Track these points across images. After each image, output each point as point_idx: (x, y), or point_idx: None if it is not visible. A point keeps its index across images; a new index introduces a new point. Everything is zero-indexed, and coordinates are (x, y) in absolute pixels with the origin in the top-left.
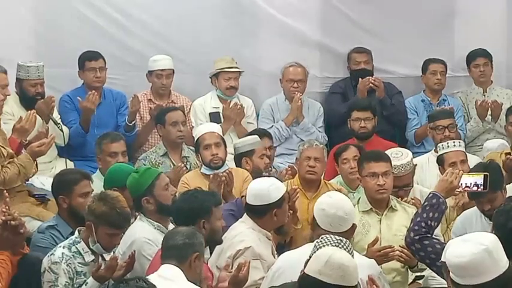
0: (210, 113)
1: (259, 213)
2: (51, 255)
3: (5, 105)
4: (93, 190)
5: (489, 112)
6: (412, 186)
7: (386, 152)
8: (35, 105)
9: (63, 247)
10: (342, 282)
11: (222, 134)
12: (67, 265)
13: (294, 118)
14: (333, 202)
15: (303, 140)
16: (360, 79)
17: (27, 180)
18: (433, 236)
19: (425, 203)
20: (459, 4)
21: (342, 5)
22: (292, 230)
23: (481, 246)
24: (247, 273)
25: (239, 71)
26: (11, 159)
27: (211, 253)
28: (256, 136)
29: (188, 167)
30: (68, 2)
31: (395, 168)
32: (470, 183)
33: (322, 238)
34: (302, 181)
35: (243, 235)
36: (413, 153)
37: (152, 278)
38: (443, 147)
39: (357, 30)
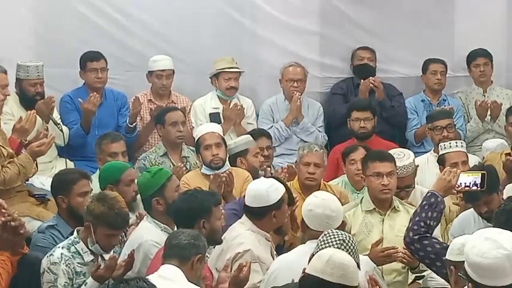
0: (210, 114)
1: (258, 215)
2: (50, 255)
3: (4, 105)
4: (92, 190)
5: (489, 112)
6: (414, 187)
7: None
8: (34, 105)
9: (62, 247)
10: (343, 281)
11: (222, 134)
12: (66, 265)
13: (294, 118)
14: (319, 202)
15: (302, 140)
16: (362, 75)
17: (27, 180)
18: (433, 236)
19: (424, 202)
20: (459, 4)
21: (342, 5)
22: (291, 237)
23: (504, 252)
24: (248, 273)
25: (239, 71)
26: (11, 159)
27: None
28: (249, 135)
29: (188, 167)
30: (68, 2)
31: (397, 169)
32: (469, 183)
33: (326, 233)
34: (301, 185)
35: (242, 237)
36: (413, 153)
37: (152, 278)
38: (444, 147)
39: (357, 30)
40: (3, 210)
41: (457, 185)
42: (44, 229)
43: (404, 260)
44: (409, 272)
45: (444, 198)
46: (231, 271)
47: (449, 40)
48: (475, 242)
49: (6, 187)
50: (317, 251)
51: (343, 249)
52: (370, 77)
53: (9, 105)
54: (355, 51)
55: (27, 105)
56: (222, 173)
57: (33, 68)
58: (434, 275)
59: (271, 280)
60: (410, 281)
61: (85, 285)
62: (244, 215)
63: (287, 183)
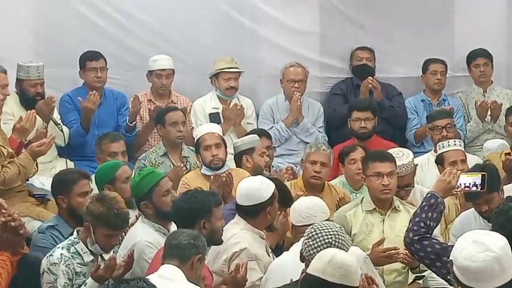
0: (210, 114)
1: (252, 213)
2: (50, 256)
3: (4, 105)
4: (92, 190)
5: (489, 112)
6: (413, 187)
7: None
8: (35, 106)
9: (62, 248)
10: (344, 282)
11: (222, 135)
12: (66, 266)
13: (294, 119)
14: (300, 200)
15: (303, 141)
16: (361, 76)
17: (27, 180)
18: (433, 237)
19: (424, 203)
20: (459, 4)
21: (342, 5)
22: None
23: (491, 254)
24: (245, 273)
25: (239, 71)
26: (11, 159)
27: None
28: (255, 135)
29: (188, 167)
30: (68, 2)
31: (396, 169)
32: (469, 183)
33: (312, 234)
34: (306, 183)
35: (237, 237)
36: (413, 153)
37: (152, 278)
38: (443, 146)
39: (357, 30)
40: (3, 211)
41: (457, 186)
42: (44, 229)
43: (405, 261)
44: (410, 272)
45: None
46: (228, 271)
47: (449, 40)
48: (463, 245)
49: (6, 187)
50: (306, 246)
51: (332, 242)
52: (369, 77)
53: (9, 105)
54: (354, 52)
55: (27, 105)
56: (222, 173)
57: (33, 68)
58: (435, 275)
59: (267, 282)
60: (410, 280)
61: (85, 285)
62: (236, 215)
63: (287, 183)
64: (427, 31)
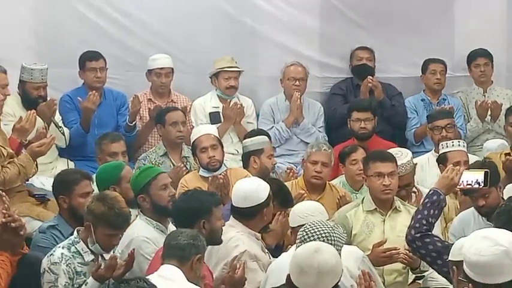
0: (210, 113)
1: (249, 215)
2: (50, 255)
3: (6, 106)
4: (93, 190)
5: (489, 112)
6: (414, 186)
7: None
8: (36, 107)
9: (63, 247)
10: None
11: (218, 135)
12: (67, 265)
13: (295, 119)
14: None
15: (303, 141)
16: (361, 76)
17: (27, 180)
18: (435, 234)
19: (426, 200)
20: (459, 4)
21: (342, 5)
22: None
23: (501, 248)
24: (243, 273)
25: (239, 71)
26: (11, 159)
27: None
28: (265, 136)
29: (188, 167)
30: (68, 2)
31: None
32: (472, 181)
33: (307, 226)
34: (307, 183)
35: (235, 240)
36: (413, 152)
37: (152, 278)
38: (446, 146)
39: (357, 30)
40: (4, 211)
41: (459, 183)
42: (45, 229)
43: (405, 261)
44: (410, 272)
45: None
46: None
47: (449, 40)
48: (472, 242)
49: (6, 187)
50: (299, 245)
51: (328, 242)
52: (368, 77)
53: (10, 106)
54: (354, 51)
55: (29, 107)
56: (219, 175)
57: (37, 71)
58: (435, 275)
59: (269, 282)
60: (410, 281)
61: (85, 285)
62: (231, 217)
63: (288, 183)
64: (427, 31)
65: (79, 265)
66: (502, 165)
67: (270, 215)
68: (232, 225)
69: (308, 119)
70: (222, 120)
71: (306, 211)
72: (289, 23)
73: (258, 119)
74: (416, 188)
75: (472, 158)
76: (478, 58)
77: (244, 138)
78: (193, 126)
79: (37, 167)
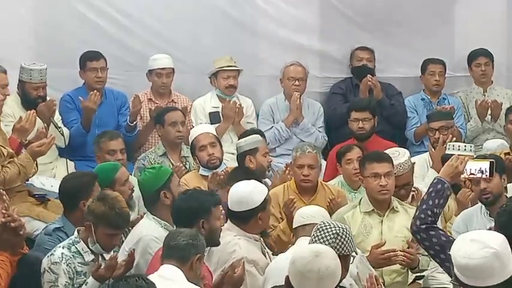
0: (210, 113)
1: (244, 218)
2: (51, 255)
3: (5, 106)
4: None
5: (489, 112)
6: (412, 185)
7: None
8: (36, 108)
9: (63, 247)
10: None
11: (216, 134)
12: (67, 265)
13: (294, 118)
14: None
15: (302, 141)
16: (360, 77)
17: (27, 180)
18: (440, 228)
19: (430, 189)
20: (459, 4)
21: (342, 5)
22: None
23: (490, 250)
24: (242, 273)
25: (238, 70)
26: (11, 159)
27: None
28: (258, 135)
29: (187, 167)
30: (68, 2)
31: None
32: (476, 169)
33: (320, 227)
34: (298, 186)
35: (232, 244)
36: (413, 152)
37: (152, 277)
38: (453, 148)
39: (357, 30)
40: (4, 211)
41: (464, 171)
42: (50, 231)
43: (403, 263)
44: (409, 271)
45: None
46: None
47: (449, 40)
48: (459, 245)
49: (6, 187)
50: (314, 237)
51: (340, 234)
52: (368, 75)
53: (10, 106)
54: (354, 52)
55: (28, 107)
56: (220, 172)
57: (36, 71)
58: (435, 275)
59: (268, 283)
60: (410, 281)
61: (86, 284)
62: (228, 221)
63: (284, 185)
64: (427, 31)
65: (79, 265)
66: None
67: (267, 219)
68: (228, 229)
69: (308, 118)
70: (222, 120)
71: (309, 213)
72: (289, 23)
73: (257, 119)
74: (415, 187)
75: None
76: (479, 57)
77: (239, 139)
78: (193, 127)
79: (37, 167)
